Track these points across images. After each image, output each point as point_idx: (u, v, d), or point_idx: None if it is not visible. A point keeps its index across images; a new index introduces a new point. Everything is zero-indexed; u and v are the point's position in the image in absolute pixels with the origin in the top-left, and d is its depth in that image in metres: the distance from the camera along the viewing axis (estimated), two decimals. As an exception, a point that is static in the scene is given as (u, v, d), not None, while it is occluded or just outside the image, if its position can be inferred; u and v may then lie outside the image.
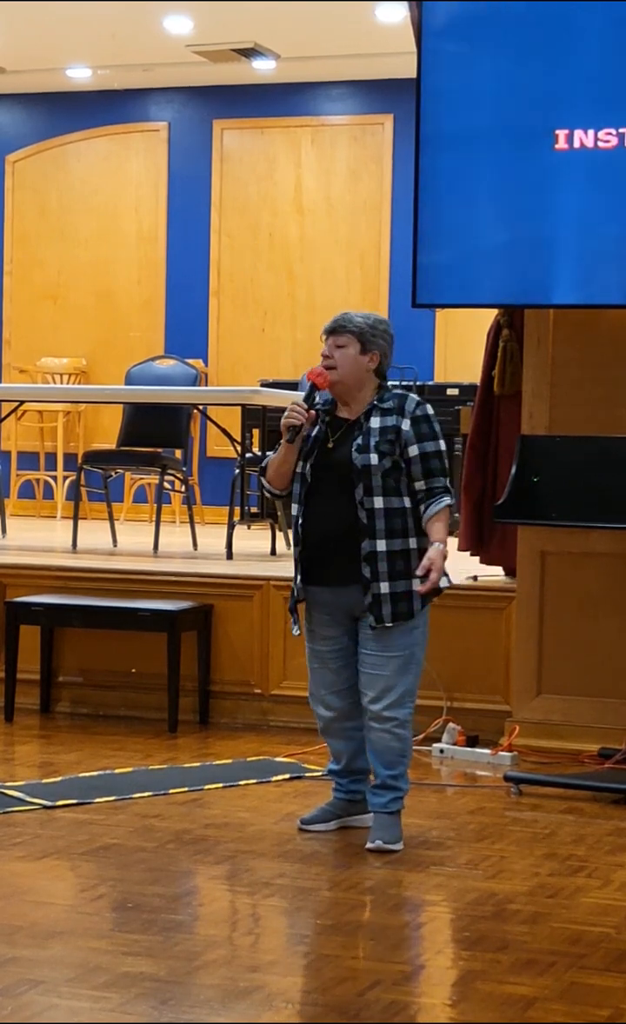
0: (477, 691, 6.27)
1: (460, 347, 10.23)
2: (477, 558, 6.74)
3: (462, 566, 6.67)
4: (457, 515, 6.86)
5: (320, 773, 5.33)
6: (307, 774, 5.57)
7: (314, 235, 11.02)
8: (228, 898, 4.27)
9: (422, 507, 4.62)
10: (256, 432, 9.68)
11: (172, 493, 9.60)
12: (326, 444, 4.68)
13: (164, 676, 6.37)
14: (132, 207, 11.41)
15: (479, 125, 5.88)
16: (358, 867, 4.46)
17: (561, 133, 5.73)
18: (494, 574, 6.68)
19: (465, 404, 9.02)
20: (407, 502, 4.61)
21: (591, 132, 5.70)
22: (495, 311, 6.66)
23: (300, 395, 4.78)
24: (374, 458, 4.57)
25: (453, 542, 6.94)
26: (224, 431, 7.97)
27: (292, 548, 4.76)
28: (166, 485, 8.47)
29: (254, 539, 8.61)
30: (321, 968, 3.61)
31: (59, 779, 5.44)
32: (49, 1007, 3.28)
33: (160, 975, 3.48)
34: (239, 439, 8.76)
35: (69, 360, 11.35)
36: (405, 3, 6.82)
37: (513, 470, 5.75)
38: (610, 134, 5.68)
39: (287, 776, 5.55)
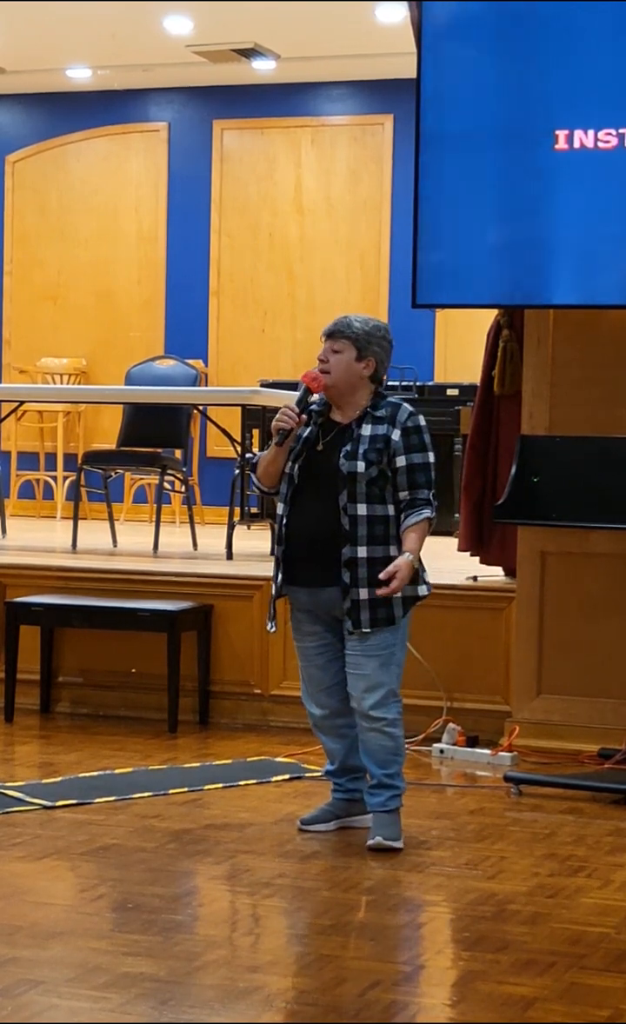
0: (477, 691, 6.27)
1: (460, 347, 10.23)
2: (477, 558, 6.74)
3: (462, 566, 6.68)
4: (457, 515, 6.86)
5: (319, 774, 5.33)
6: (307, 774, 5.57)
7: (314, 235, 11.02)
8: (228, 898, 4.27)
9: (403, 516, 4.63)
10: (256, 432, 9.68)
11: (172, 493, 9.60)
12: (316, 446, 4.69)
13: (164, 676, 6.37)
14: (132, 207, 11.41)
15: (479, 125, 5.87)
16: (358, 867, 4.46)
17: (561, 133, 5.73)
18: (494, 574, 6.67)
19: (465, 404, 9.01)
20: (391, 510, 4.62)
21: (591, 132, 5.70)
22: (495, 311, 6.66)
23: (296, 398, 4.79)
24: (361, 465, 4.58)
25: (452, 542, 6.98)
26: (224, 431, 7.97)
27: (275, 546, 4.78)
28: (166, 485, 8.47)
29: (254, 539, 8.61)
30: (321, 968, 3.61)
31: (59, 779, 5.44)
32: (49, 1007, 3.28)
33: (160, 975, 3.48)
34: (239, 439, 8.76)
35: (69, 360, 11.35)
36: (405, 3, 6.82)
37: (513, 470, 5.75)
38: (610, 134, 5.68)
39: (287, 776, 5.55)
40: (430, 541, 4.72)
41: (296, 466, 4.70)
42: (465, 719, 6.11)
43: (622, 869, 4.48)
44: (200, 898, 4.29)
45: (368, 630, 4.59)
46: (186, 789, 5.33)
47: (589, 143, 5.71)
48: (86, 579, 6.89)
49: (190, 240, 11.25)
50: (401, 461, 4.61)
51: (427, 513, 4.62)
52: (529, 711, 6.06)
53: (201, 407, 8.46)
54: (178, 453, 9.09)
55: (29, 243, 11.62)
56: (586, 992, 3.45)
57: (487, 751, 5.89)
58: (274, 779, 5.52)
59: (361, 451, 4.60)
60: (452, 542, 7.02)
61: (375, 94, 10.85)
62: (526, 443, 5.83)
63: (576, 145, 5.72)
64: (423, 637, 5.89)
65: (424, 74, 5.94)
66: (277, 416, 4.68)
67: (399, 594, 4.57)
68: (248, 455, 8.36)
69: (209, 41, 10.09)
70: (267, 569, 6.89)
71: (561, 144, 5.74)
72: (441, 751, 5.95)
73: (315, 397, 4.75)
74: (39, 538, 8.98)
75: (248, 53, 10.25)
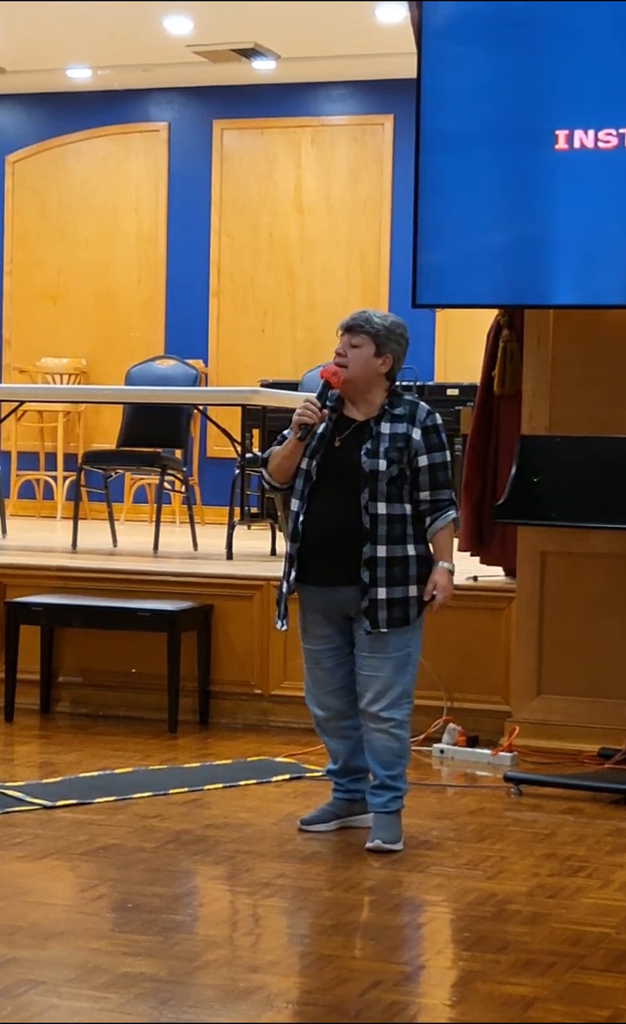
0: (477, 691, 6.27)
1: (460, 347, 10.23)
2: (477, 558, 6.74)
3: (462, 566, 6.66)
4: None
5: (320, 773, 5.32)
6: (307, 774, 5.57)
7: (314, 235, 11.02)
8: (228, 898, 4.27)
9: (427, 519, 4.63)
10: (256, 432, 9.67)
11: (172, 493, 9.60)
12: (332, 444, 4.67)
13: (164, 676, 6.37)
14: (132, 207, 11.41)
15: (479, 125, 5.88)
16: (358, 867, 4.46)
17: (561, 133, 5.73)
18: (494, 574, 6.68)
19: (465, 404, 9.01)
20: (408, 509, 4.61)
21: (591, 132, 5.70)
22: (495, 311, 6.66)
23: (305, 394, 4.78)
24: (383, 464, 4.57)
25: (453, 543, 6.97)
26: (224, 431, 7.97)
27: (287, 543, 4.75)
28: (166, 485, 8.46)
29: (254, 539, 8.61)
30: (321, 968, 3.61)
31: (59, 779, 5.44)
32: (49, 1007, 3.28)
33: (160, 975, 3.48)
34: (239, 439, 8.76)
35: (69, 360, 11.35)
36: (405, 3, 6.82)
37: (513, 470, 5.75)
38: (610, 134, 5.68)
39: (287, 776, 5.55)
40: (430, 541, 4.74)
41: (313, 463, 4.67)
42: (465, 719, 6.11)
43: (622, 869, 4.48)
44: (200, 898, 4.29)
45: (386, 630, 4.58)
46: (186, 789, 5.33)
47: (589, 143, 5.71)
48: (86, 579, 6.89)
49: (190, 240, 11.25)
50: (423, 460, 4.60)
51: (453, 514, 4.64)
52: (529, 711, 6.06)
53: (201, 407, 8.46)
54: (178, 453, 9.09)
55: (29, 243, 11.61)
56: (586, 992, 3.45)
57: (487, 751, 5.89)
58: (274, 779, 5.52)
59: (382, 449, 4.58)
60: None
61: (375, 94, 10.85)
62: (526, 443, 5.82)
63: (576, 145, 5.72)
64: (424, 637, 5.87)
65: (424, 74, 5.94)
66: (299, 411, 4.64)
67: (412, 594, 4.59)
68: (249, 455, 8.37)
69: (209, 41, 10.09)
70: (267, 569, 6.90)
71: (561, 144, 5.74)
72: (441, 751, 5.95)
73: (335, 392, 4.72)
74: (39, 538, 8.98)
75: (248, 53, 10.25)
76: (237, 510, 8.11)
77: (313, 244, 11.02)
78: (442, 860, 4.54)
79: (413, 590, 4.61)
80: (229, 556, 7.48)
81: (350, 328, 4.68)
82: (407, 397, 4.71)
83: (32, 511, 11.05)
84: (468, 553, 6.75)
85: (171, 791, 5.29)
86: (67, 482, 10.72)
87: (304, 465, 4.68)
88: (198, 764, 5.75)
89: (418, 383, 9.59)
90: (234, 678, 6.60)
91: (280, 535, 8.04)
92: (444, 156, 5.92)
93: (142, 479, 10.34)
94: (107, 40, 10.18)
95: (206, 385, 10.49)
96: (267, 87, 11.02)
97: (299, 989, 3.49)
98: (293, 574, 4.69)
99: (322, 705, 4.78)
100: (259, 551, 7.95)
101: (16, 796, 5.16)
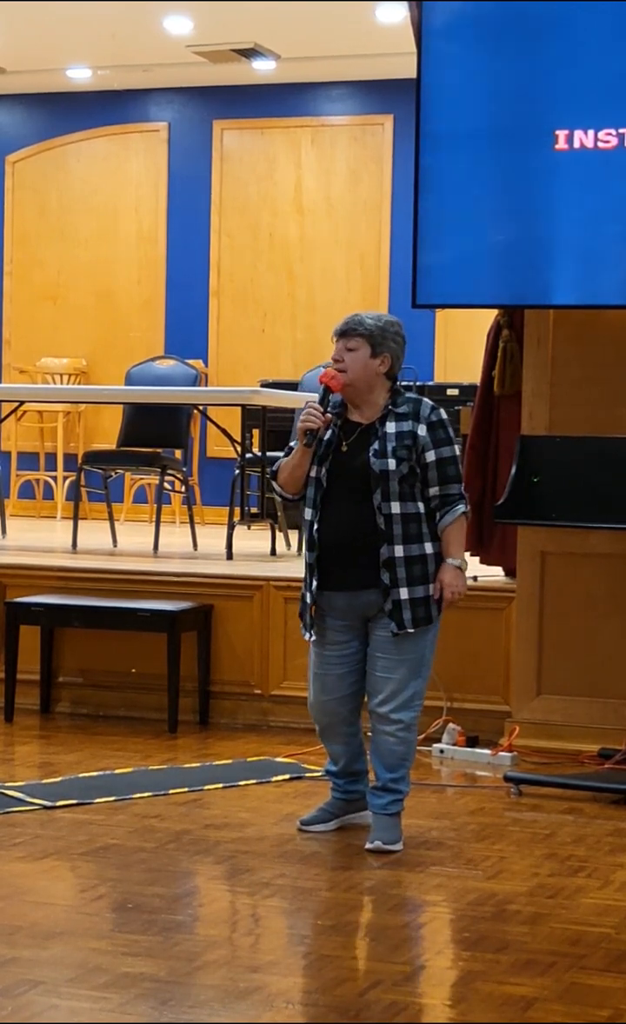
0: (477, 691, 6.27)
1: (460, 347, 10.23)
2: (477, 558, 6.74)
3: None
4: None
5: (319, 773, 5.33)
6: (307, 774, 5.57)
7: (314, 235, 11.02)
8: (228, 898, 4.27)
9: (438, 514, 4.62)
10: (256, 432, 9.67)
11: (172, 493, 9.60)
12: (340, 448, 4.65)
13: (164, 676, 6.37)
14: (132, 207, 11.41)
15: (479, 125, 5.88)
16: (358, 867, 4.46)
17: (561, 133, 5.73)
18: (494, 574, 6.68)
19: (465, 404, 9.02)
20: (422, 507, 4.61)
21: (591, 132, 5.70)
22: (495, 311, 6.66)
23: (305, 396, 4.77)
24: (392, 463, 4.56)
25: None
26: (224, 431, 7.97)
27: (305, 552, 4.72)
28: (166, 485, 8.46)
29: (254, 539, 8.61)
30: (321, 968, 3.61)
31: (59, 779, 5.44)
32: (49, 1007, 3.28)
33: (160, 975, 3.48)
34: (239, 439, 8.76)
35: (69, 360, 11.35)
36: (405, 3, 6.82)
37: (513, 470, 5.75)
38: (610, 134, 5.68)
39: (287, 776, 5.55)
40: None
41: (323, 469, 4.65)
42: (465, 719, 6.11)
43: (622, 869, 4.48)
44: (200, 898, 4.29)
45: (412, 630, 4.58)
46: (186, 789, 5.33)
47: (589, 143, 5.71)
48: (86, 579, 6.89)
49: (190, 240, 11.25)
50: (431, 456, 4.59)
51: (462, 508, 4.63)
52: (529, 711, 6.06)
53: (201, 407, 8.46)
54: (178, 453, 9.09)
55: (29, 243, 11.61)
56: (586, 992, 3.45)
57: (487, 751, 5.89)
58: (274, 779, 5.52)
59: (390, 449, 4.57)
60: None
61: (375, 94, 10.85)
62: (526, 443, 5.82)
63: (576, 145, 5.72)
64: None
65: (424, 74, 5.94)
66: (302, 417, 4.63)
67: (433, 592, 4.60)
68: (248, 455, 8.37)
69: (209, 41, 10.09)
70: (267, 569, 6.91)
71: (561, 144, 5.74)
72: (441, 751, 5.95)
73: (335, 397, 4.71)
74: (39, 538, 8.98)
75: (248, 53, 10.25)
76: (237, 510, 8.11)
77: (313, 244, 11.02)
78: (442, 860, 4.54)
79: (434, 588, 4.61)
80: (229, 556, 7.48)
81: (344, 332, 4.67)
82: (409, 395, 4.70)
83: (32, 511, 11.05)
84: (468, 553, 6.75)
85: (171, 791, 5.29)
86: (67, 482, 10.72)
87: (314, 473, 4.66)
88: (198, 764, 5.75)
89: (418, 383, 9.59)
90: (234, 678, 6.60)
91: (280, 536, 8.04)
92: (444, 156, 5.92)
93: (142, 479, 10.34)
94: (107, 40, 10.18)
95: (206, 385, 10.49)
96: (267, 87, 11.02)
97: (299, 989, 3.49)
98: (314, 583, 4.66)
99: (327, 712, 4.74)
100: (259, 551, 7.95)
101: (16, 796, 5.16)
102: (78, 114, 11.48)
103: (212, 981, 3.47)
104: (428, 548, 4.60)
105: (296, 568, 6.12)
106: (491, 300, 6.23)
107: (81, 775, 5.50)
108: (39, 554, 7.85)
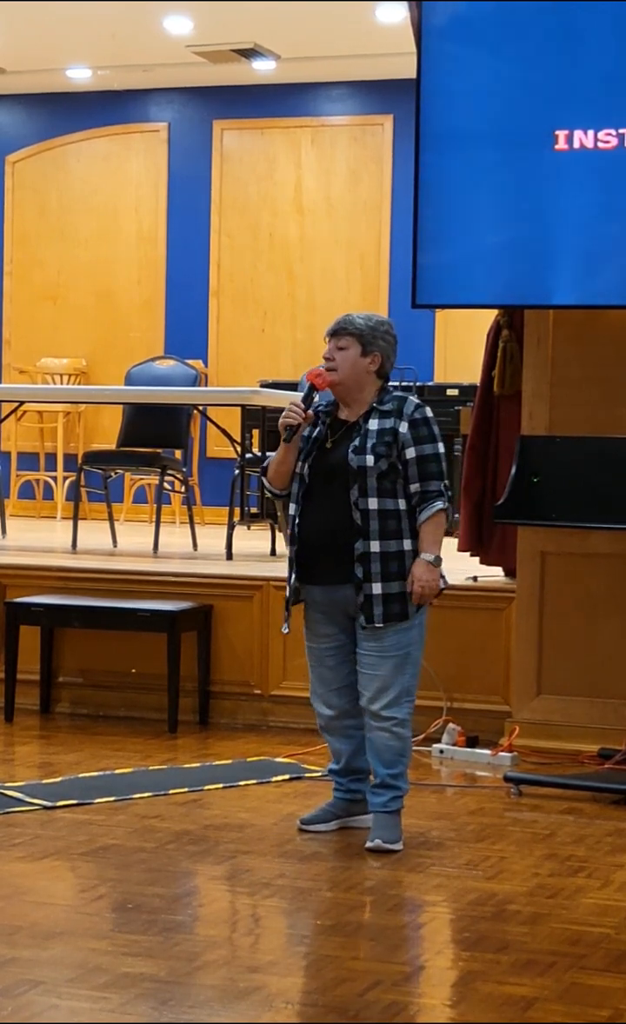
0: (477, 691, 6.27)
1: (460, 347, 10.23)
2: (477, 558, 6.74)
3: (462, 567, 6.67)
4: (456, 515, 6.86)
5: (320, 773, 5.33)
6: (307, 774, 5.57)
7: (314, 235, 11.02)
8: (228, 898, 4.27)
9: (417, 510, 4.63)
10: (256, 432, 9.68)
11: (172, 493, 9.60)
12: (325, 445, 4.70)
13: (164, 676, 6.37)
14: (132, 207, 11.41)
15: (479, 125, 5.87)
16: (358, 867, 4.46)
17: (561, 133, 5.73)
18: (494, 574, 6.67)
19: (465, 404, 9.01)
20: (402, 504, 4.62)
21: (591, 132, 5.70)
22: (495, 311, 6.66)
23: (299, 395, 4.79)
24: (370, 459, 4.58)
25: (453, 543, 6.96)
26: (224, 431, 7.97)
27: (288, 547, 4.78)
28: (166, 485, 8.46)
29: (254, 539, 8.61)
30: (321, 968, 3.61)
31: (59, 779, 5.44)
32: (49, 1007, 3.28)
33: (160, 975, 3.48)
34: (239, 439, 8.76)
35: (69, 360, 11.35)
36: (405, 3, 6.82)
37: (513, 470, 5.75)
38: (610, 134, 5.68)
39: (287, 776, 5.55)
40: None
41: (306, 465, 4.70)
42: (465, 719, 6.11)
43: (622, 869, 4.48)
44: (200, 898, 4.29)
45: (381, 625, 4.59)
46: (186, 789, 5.33)
47: (589, 143, 5.71)
48: (86, 579, 6.89)
49: (190, 240, 11.25)
50: (411, 453, 4.61)
51: (439, 505, 4.62)
52: (529, 711, 6.06)
53: (201, 407, 8.46)
54: (178, 453, 9.09)
55: (29, 243, 11.61)
56: (586, 992, 3.45)
57: (487, 751, 5.89)
58: (274, 779, 5.52)
59: (369, 445, 4.60)
60: (452, 542, 7.00)
61: (375, 94, 10.85)
62: (526, 443, 5.83)
63: (576, 145, 5.72)
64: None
65: (424, 74, 5.94)
66: (284, 413, 4.68)
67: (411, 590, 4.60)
68: (248, 455, 8.36)
69: (209, 41, 10.09)
70: (267, 569, 6.91)
71: (561, 144, 5.74)
72: (441, 751, 5.95)
73: (317, 396, 4.74)
74: (39, 538, 8.98)
75: (248, 53, 10.25)
76: (237, 510, 8.11)
77: (313, 244, 11.02)
78: (442, 860, 4.54)
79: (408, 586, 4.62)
80: (229, 556, 7.48)
81: (335, 332, 4.72)
82: (397, 393, 4.73)
83: (32, 511, 11.05)
84: (468, 553, 6.75)
85: (171, 791, 5.29)
86: (67, 482, 10.72)
87: (298, 469, 4.71)
88: (198, 764, 5.75)
89: (418, 383, 9.59)
90: (234, 678, 6.60)
91: (280, 536, 8.04)
92: (444, 156, 5.92)
93: (142, 479, 10.34)
94: (107, 40, 10.18)
95: (206, 385, 10.49)
96: (267, 87, 11.02)
97: (299, 989, 3.49)
98: (294, 577, 4.72)
99: (328, 704, 4.78)
100: (259, 551, 7.95)
101: (16, 796, 5.16)
102: (78, 114, 11.48)
103: (212, 981, 3.47)
104: (407, 545, 4.62)
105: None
106: (491, 300, 6.23)
107: (81, 775, 5.50)
108: (39, 554, 7.85)
